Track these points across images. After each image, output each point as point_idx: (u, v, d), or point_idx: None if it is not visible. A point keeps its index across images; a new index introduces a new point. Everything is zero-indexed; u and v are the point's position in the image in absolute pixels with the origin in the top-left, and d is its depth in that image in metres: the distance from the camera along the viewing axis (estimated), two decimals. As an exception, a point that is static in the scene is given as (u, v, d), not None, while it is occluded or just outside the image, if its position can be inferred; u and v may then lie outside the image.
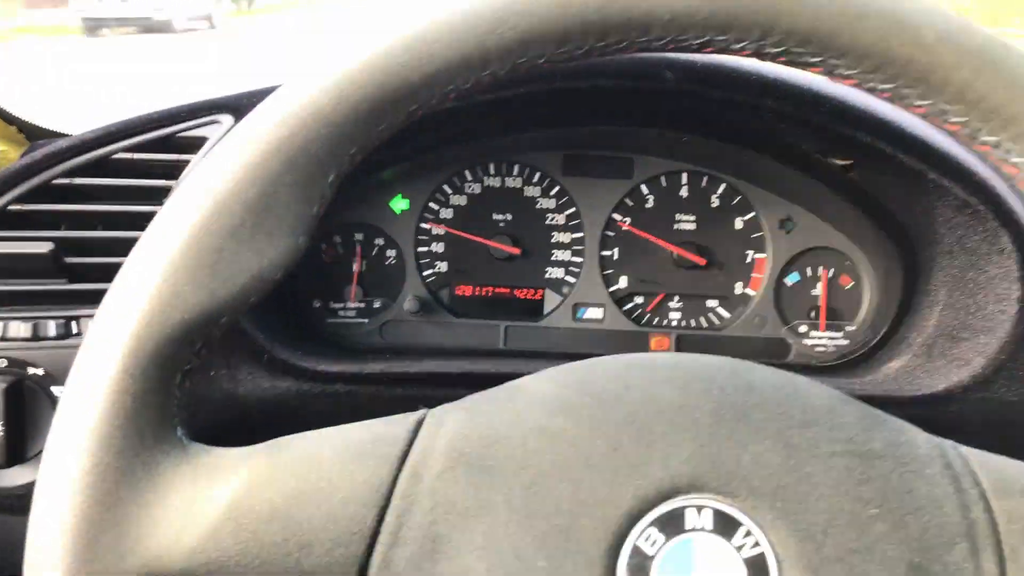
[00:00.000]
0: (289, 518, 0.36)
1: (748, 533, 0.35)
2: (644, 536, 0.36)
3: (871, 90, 0.38)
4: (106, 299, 0.37)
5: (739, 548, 0.35)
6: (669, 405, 0.38)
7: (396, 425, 0.39)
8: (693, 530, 0.36)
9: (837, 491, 0.36)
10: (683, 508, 0.36)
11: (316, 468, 0.37)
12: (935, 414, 0.74)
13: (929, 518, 0.36)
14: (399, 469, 0.37)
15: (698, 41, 0.38)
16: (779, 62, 0.39)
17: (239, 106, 0.77)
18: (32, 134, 0.98)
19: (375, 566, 0.36)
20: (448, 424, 0.38)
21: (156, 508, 0.36)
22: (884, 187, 0.78)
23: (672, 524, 0.36)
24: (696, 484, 0.36)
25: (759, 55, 0.38)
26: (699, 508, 0.36)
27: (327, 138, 0.37)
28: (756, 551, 0.35)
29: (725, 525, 0.36)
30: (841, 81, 0.39)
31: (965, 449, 0.39)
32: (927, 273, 0.80)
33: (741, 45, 0.38)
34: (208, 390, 0.74)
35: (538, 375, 0.41)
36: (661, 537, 0.36)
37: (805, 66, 0.38)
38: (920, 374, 0.77)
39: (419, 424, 0.39)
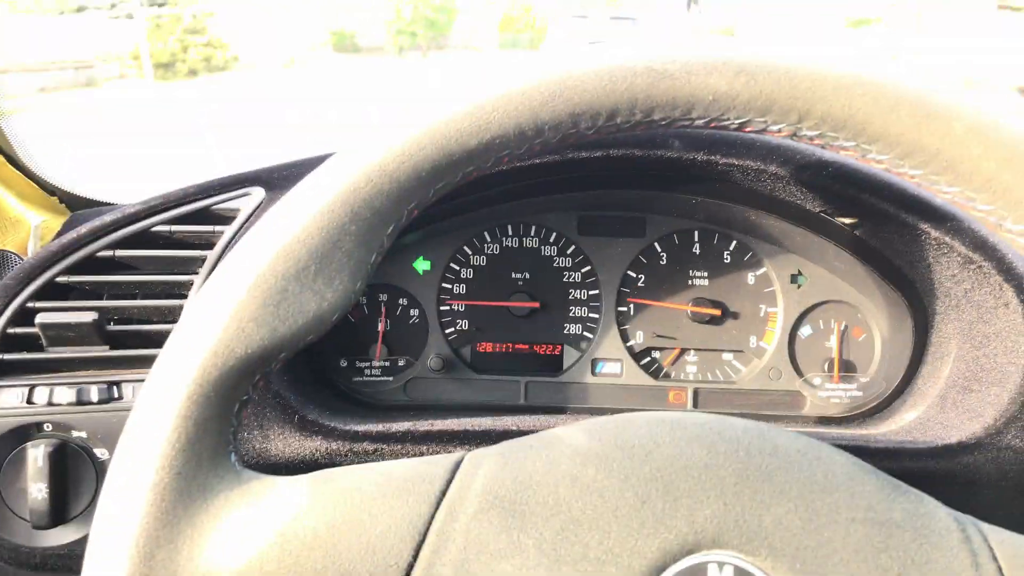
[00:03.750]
0: (331, 547, 0.38)
1: None
2: None
3: (901, 174, 0.40)
4: (175, 331, 0.40)
5: None
6: (696, 463, 0.40)
7: (436, 465, 0.41)
8: None
9: (856, 557, 0.37)
10: (706, 563, 0.38)
11: (358, 501, 0.39)
12: (950, 465, 0.75)
13: None
14: (436, 507, 0.39)
15: (738, 121, 0.41)
16: (814, 144, 0.41)
17: (269, 179, 0.81)
18: (72, 204, 1.04)
19: None
20: (485, 467, 0.40)
21: (209, 529, 0.38)
22: (890, 243, 0.80)
23: None
24: (719, 541, 0.38)
25: (795, 137, 0.41)
26: (720, 564, 0.38)
27: (390, 193, 0.40)
28: None
29: None
30: (873, 164, 0.41)
31: (985, 525, 0.40)
32: (936, 326, 0.81)
33: (779, 127, 0.40)
34: (240, 450, 0.77)
35: (573, 426, 0.43)
36: None
37: (839, 149, 0.41)
38: (934, 426, 0.78)
39: (457, 465, 0.41)
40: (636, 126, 0.42)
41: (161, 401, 0.39)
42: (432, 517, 0.39)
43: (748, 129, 0.41)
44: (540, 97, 0.40)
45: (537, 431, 0.44)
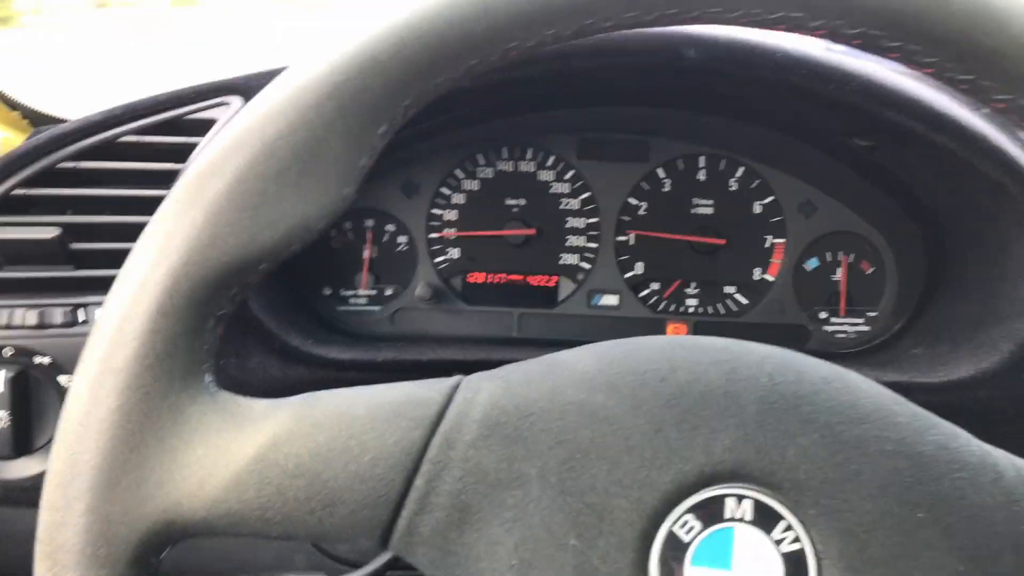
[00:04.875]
0: (315, 475, 0.35)
1: (788, 527, 0.34)
2: (681, 522, 0.35)
3: (949, 80, 0.36)
4: (143, 237, 0.36)
5: (778, 542, 0.34)
6: (715, 390, 0.36)
7: (430, 389, 0.37)
8: (732, 520, 0.35)
9: (885, 492, 0.35)
10: (723, 496, 0.35)
11: (346, 426, 0.35)
12: (963, 401, 0.72)
13: (978, 527, 0.34)
14: (432, 434, 0.36)
15: (772, 16, 0.36)
16: (854, 45, 0.37)
17: (248, 87, 0.75)
18: (36, 120, 0.97)
19: (399, 531, 0.35)
20: (484, 392, 0.37)
21: (180, 454, 0.35)
22: (910, 169, 0.76)
23: (711, 512, 0.35)
24: (738, 473, 0.35)
25: (834, 36, 0.37)
26: (740, 498, 0.35)
27: (382, 88, 0.36)
28: (795, 547, 0.34)
29: (765, 517, 0.34)
30: (919, 69, 0.37)
31: (1019, 460, 0.37)
32: (954, 257, 0.78)
33: (817, 23, 0.36)
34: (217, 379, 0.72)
35: (579, 349, 0.39)
36: (698, 524, 0.34)
37: (882, 51, 0.37)
38: (946, 360, 0.76)
39: (454, 390, 0.37)
40: (659, 19, 0.37)
41: (127, 314, 0.34)
42: (427, 444, 0.35)
43: (782, 27, 0.37)
44: None
45: None
